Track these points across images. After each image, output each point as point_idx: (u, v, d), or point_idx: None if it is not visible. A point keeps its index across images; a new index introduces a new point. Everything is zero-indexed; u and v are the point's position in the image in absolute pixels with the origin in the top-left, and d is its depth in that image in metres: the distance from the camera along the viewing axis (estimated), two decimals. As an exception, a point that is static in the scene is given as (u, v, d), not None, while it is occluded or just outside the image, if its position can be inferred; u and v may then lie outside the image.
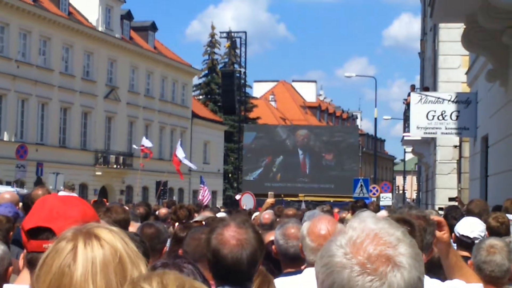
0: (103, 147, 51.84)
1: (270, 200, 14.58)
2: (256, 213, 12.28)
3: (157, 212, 13.20)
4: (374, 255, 1.61)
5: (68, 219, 2.45)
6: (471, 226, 6.57)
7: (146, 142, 33.03)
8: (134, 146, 34.30)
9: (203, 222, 6.90)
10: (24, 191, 19.17)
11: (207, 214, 10.44)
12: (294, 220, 5.04)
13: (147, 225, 6.15)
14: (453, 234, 6.65)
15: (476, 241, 5.97)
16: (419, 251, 1.67)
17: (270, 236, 6.25)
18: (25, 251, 2.61)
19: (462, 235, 6.44)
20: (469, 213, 8.32)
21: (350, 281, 1.60)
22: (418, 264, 1.63)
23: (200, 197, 32.67)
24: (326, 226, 4.24)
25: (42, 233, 2.51)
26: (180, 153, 30.12)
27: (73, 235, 1.96)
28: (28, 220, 2.56)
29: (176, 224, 9.88)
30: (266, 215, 10.92)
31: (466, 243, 6.33)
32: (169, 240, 6.45)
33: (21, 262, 2.64)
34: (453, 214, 8.56)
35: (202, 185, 32.24)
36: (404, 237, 1.66)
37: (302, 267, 4.33)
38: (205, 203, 35.20)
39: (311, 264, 4.13)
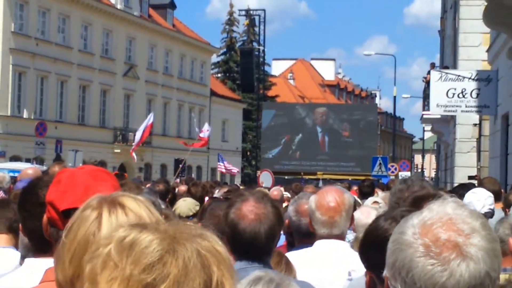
0: (121, 124, 52.00)
1: None
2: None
3: (176, 190, 13.21)
4: (442, 239, 1.55)
5: None
6: (480, 202, 6.41)
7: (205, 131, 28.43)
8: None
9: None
10: (43, 168, 19.17)
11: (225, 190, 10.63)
12: (308, 196, 4.90)
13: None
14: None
15: (488, 216, 5.86)
16: (497, 247, 1.59)
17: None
18: (46, 222, 2.57)
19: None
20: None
21: (412, 261, 1.55)
22: (490, 260, 1.55)
23: (224, 170, 32.19)
24: (334, 198, 4.16)
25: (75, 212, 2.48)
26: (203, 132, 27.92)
27: (98, 204, 1.97)
28: (61, 200, 2.51)
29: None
30: (275, 192, 11.18)
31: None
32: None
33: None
34: (460, 192, 8.41)
35: (220, 163, 32.03)
36: (481, 228, 1.58)
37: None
38: (235, 173, 35.21)
39: (322, 237, 4.12)
